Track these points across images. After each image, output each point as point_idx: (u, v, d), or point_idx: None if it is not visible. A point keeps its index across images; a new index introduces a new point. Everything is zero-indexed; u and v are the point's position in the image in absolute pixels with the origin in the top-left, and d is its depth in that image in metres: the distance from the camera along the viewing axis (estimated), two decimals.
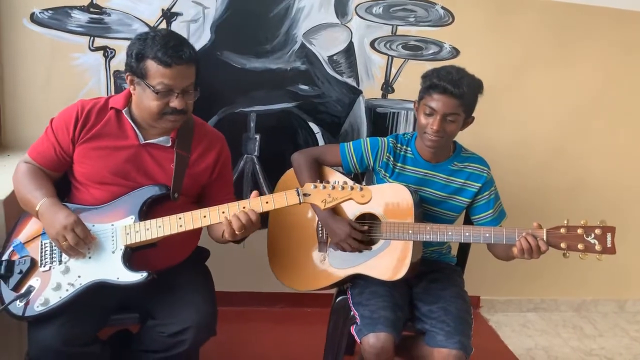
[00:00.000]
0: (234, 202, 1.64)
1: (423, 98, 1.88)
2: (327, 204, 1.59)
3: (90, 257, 1.64)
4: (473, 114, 1.91)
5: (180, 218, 1.64)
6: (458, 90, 1.80)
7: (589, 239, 1.66)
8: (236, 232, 1.61)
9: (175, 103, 1.66)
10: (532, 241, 1.70)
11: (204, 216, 1.64)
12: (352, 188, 1.58)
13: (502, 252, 1.89)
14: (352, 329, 1.85)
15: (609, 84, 2.77)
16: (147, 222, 1.65)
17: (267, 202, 1.62)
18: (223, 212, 1.63)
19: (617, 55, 2.73)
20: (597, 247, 1.66)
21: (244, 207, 1.62)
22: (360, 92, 2.57)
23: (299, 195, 1.60)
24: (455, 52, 2.57)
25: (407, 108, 2.59)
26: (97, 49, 2.31)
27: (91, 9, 2.28)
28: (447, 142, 1.93)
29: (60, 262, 1.64)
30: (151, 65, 1.63)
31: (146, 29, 2.31)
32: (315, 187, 1.60)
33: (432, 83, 1.84)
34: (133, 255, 1.66)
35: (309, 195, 1.60)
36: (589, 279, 3.10)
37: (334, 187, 1.59)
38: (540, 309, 3.12)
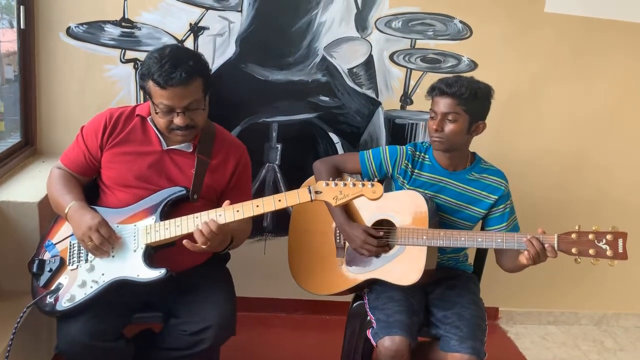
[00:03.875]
0: (248, 202, 1.65)
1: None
2: (339, 200, 1.59)
3: (114, 256, 1.70)
4: (484, 120, 1.95)
5: (197, 217, 1.67)
6: (451, 89, 1.87)
7: (600, 244, 1.67)
8: (202, 245, 1.62)
9: (177, 121, 1.70)
10: (537, 244, 1.73)
11: (219, 215, 1.65)
12: (363, 185, 1.59)
13: (509, 263, 1.92)
14: (369, 333, 1.89)
15: (628, 96, 2.76)
16: (167, 221, 1.70)
17: (279, 201, 1.62)
18: (238, 211, 1.65)
19: (636, 68, 2.72)
20: (609, 253, 1.66)
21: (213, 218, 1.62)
22: (379, 104, 2.62)
23: (310, 192, 1.60)
24: (473, 65, 2.60)
25: (425, 119, 2.62)
26: (128, 61, 2.41)
27: (123, 24, 2.38)
28: (455, 145, 1.94)
29: (86, 260, 1.71)
30: (151, 86, 1.68)
31: (174, 42, 2.41)
32: (327, 184, 1.60)
33: (431, 88, 1.94)
34: (155, 256, 1.71)
35: (321, 192, 1.60)
36: (611, 293, 3.07)
37: (345, 184, 1.59)
38: (560, 321, 3.09)
